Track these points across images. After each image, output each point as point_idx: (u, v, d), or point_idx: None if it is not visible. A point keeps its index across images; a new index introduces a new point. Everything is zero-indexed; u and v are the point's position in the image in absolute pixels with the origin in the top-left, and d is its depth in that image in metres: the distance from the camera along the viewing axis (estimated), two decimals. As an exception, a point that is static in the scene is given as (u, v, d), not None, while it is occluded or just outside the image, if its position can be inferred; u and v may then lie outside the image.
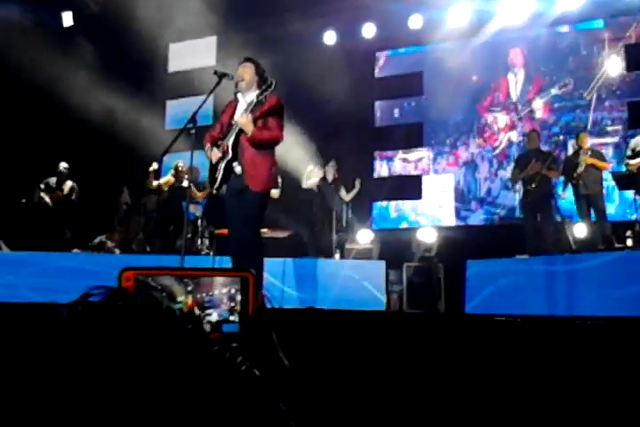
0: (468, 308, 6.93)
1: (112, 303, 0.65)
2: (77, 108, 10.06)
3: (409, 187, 10.80)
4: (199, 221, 8.57)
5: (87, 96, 10.45)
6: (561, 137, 8.06)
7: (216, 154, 4.69)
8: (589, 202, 7.58)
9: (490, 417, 1.91)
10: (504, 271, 6.90)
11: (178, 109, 10.67)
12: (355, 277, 7.06)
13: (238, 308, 1.09)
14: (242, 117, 4.56)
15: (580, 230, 7.68)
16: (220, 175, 4.68)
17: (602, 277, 6.02)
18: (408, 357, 2.68)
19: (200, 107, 4.91)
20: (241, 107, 4.76)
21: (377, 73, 11.28)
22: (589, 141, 8.01)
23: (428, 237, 8.61)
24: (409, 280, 7.81)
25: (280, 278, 6.82)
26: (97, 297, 0.66)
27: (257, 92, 4.70)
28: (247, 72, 4.76)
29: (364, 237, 8.84)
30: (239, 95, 4.82)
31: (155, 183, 8.70)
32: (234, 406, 0.65)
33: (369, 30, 10.76)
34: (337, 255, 8.33)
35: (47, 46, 9.93)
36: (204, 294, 1.09)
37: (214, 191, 4.78)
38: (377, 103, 11.20)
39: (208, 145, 4.80)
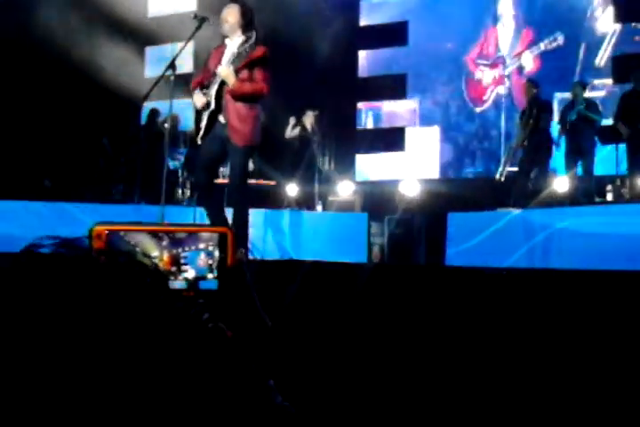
0: (449, 261, 6.98)
1: (61, 254, 0.57)
2: (53, 54, 9.75)
3: (392, 139, 10.72)
4: (179, 172, 8.47)
5: (63, 42, 10.12)
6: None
7: (201, 98, 4.51)
8: (579, 155, 7.49)
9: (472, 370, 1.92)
10: (485, 224, 6.92)
11: (157, 56, 10.39)
12: (337, 230, 7.05)
13: (216, 265, 1.05)
14: (223, 69, 4.39)
15: (560, 184, 7.64)
16: (203, 125, 4.53)
17: (581, 230, 6.06)
18: (389, 312, 2.68)
19: (179, 53, 4.78)
20: (227, 53, 4.55)
21: (361, 21, 11.02)
22: (584, 92, 7.74)
23: (410, 189, 8.59)
24: (391, 233, 7.83)
25: (262, 230, 6.79)
26: (48, 248, 0.59)
27: (242, 37, 4.49)
28: (231, 14, 4.50)
29: (345, 188, 8.80)
30: (227, 40, 4.60)
31: None
32: (198, 364, 0.61)
33: (354, -24, 10.47)
34: (319, 207, 8.30)
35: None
36: (180, 250, 1.04)
37: (199, 141, 4.64)
38: (360, 53, 10.98)
39: (195, 90, 4.64)
